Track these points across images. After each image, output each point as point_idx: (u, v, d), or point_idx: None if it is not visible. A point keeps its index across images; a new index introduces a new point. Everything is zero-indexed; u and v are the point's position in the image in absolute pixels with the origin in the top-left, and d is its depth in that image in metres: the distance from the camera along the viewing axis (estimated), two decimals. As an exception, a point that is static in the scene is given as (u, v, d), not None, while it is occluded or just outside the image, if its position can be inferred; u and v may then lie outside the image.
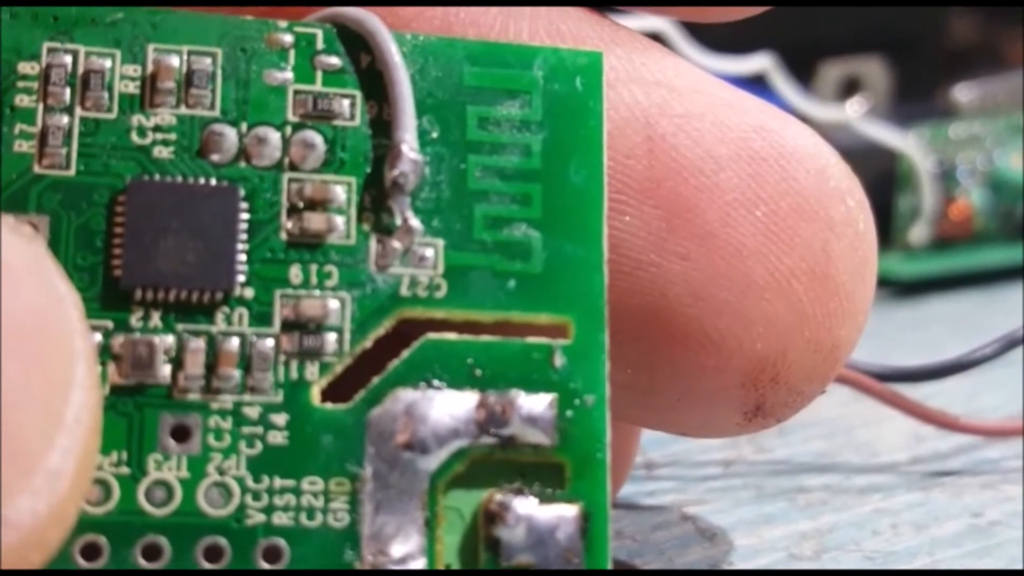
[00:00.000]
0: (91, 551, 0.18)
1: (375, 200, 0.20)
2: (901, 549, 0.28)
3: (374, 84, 0.20)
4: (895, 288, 0.47)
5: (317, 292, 0.20)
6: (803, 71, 0.47)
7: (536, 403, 0.20)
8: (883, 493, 0.30)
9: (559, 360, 0.20)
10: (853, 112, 0.47)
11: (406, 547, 0.19)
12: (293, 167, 0.20)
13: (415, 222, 0.20)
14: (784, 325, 0.23)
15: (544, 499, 0.20)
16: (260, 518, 0.19)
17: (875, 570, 0.26)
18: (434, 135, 0.21)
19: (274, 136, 0.20)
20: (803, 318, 0.23)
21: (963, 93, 0.49)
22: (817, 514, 0.29)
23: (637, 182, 0.22)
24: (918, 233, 0.47)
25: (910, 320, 0.45)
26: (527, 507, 0.20)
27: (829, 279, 0.23)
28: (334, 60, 0.20)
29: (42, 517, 0.16)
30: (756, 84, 0.40)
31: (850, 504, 0.30)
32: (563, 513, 0.20)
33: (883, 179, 0.46)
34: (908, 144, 0.47)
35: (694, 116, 0.23)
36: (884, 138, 0.46)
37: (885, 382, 0.31)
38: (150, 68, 0.20)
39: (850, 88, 0.51)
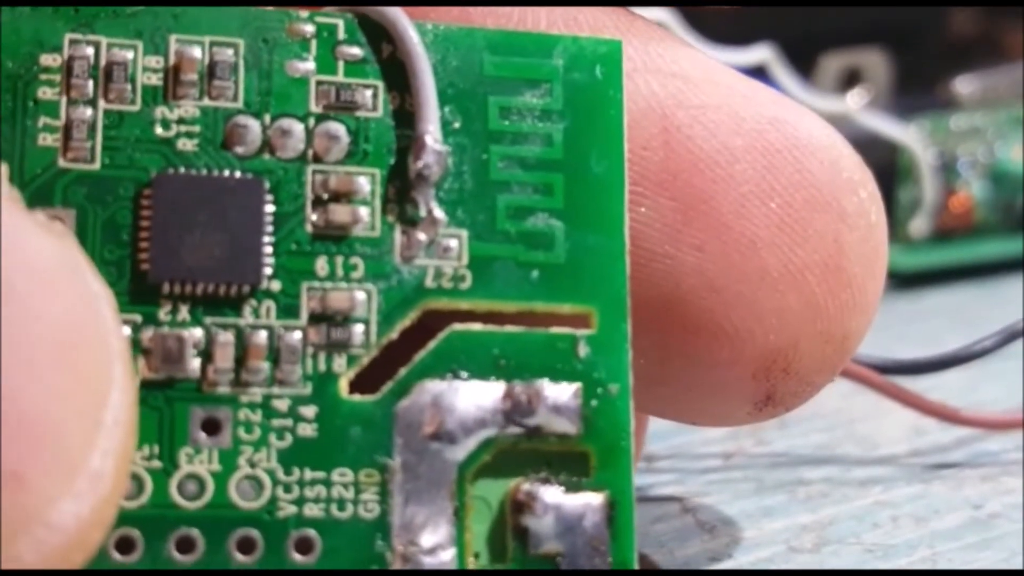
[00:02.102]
0: (125, 545, 0.18)
1: (399, 191, 0.20)
2: (901, 542, 0.27)
3: (396, 74, 0.20)
4: (895, 280, 0.47)
5: (343, 284, 0.20)
6: (804, 62, 0.47)
7: (561, 392, 0.20)
8: (883, 486, 0.30)
9: (583, 350, 0.20)
10: (854, 104, 0.47)
11: (436, 537, 0.19)
12: (317, 159, 0.20)
13: (439, 213, 0.20)
14: (797, 317, 0.23)
15: (570, 488, 0.20)
16: (291, 510, 0.19)
17: (866, 570, 0.26)
18: (456, 125, 0.21)
19: (298, 128, 0.20)
20: (815, 310, 0.23)
21: (964, 85, 0.49)
22: (817, 507, 0.29)
23: (653, 174, 0.22)
24: (919, 225, 0.47)
25: (910, 312, 0.45)
26: (554, 496, 0.20)
27: (842, 271, 0.23)
28: (356, 50, 0.20)
29: (85, 519, 0.16)
30: (757, 75, 0.40)
31: (850, 497, 0.30)
32: (589, 501, 0.20)
33: (884, 171, 0.45)
34: (909, 136, 0.47)
35: (710, 107, 0.23)
36: (885, 130, 0.46)
37: (885, 375, 0.31)
38: (172, 60, 0.20)
39: (851, 80, 0.51)
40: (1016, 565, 0.26)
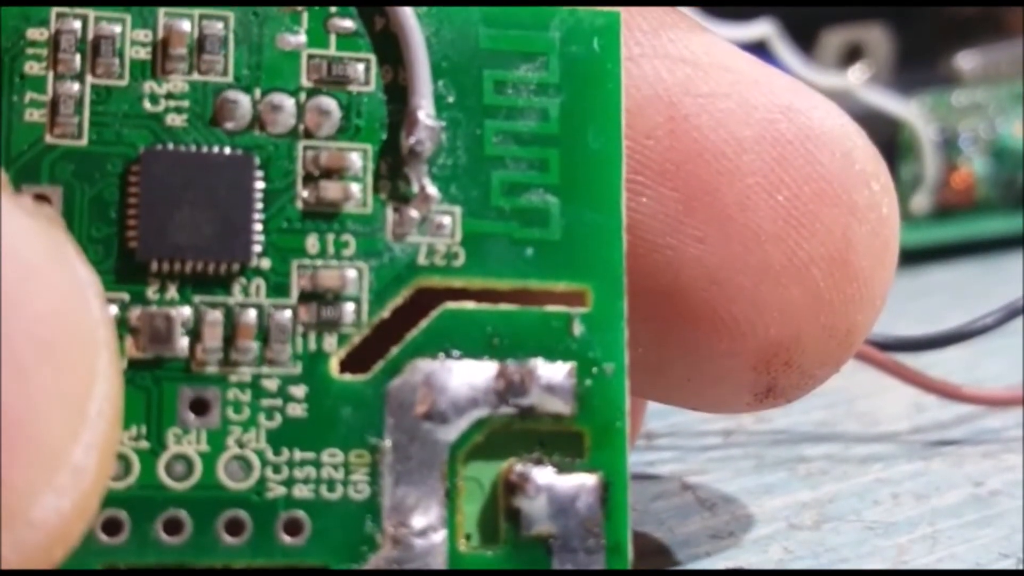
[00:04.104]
0: (112, 526, 0.18)
1: (391, 167, 0.20)
2: (902, 519, 0.27)
3: (389, 48, 0.20)
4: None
5: (334, 262, 0.20)
6: (805, 38, 0.47)
7: (555, 372, 0.20)
8: (884, 463, 0.30)
9: (578, 328, 0.20)
10: (855, 79, 0.47)
11: (427, 518, 0.19)
12: (308, 134, 0.20)
13: (432, 190, 0.20)
14: (800, 311, 0.23)
15: (563, 469, 0.20)
16: (281, 491, 0.19)
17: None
18: (450, 100, 0.20)
19: (288, 103, 0.20)
20: (820, 304, 0.23)
21: (965, 61, 0.49)
22: (817, 484, 0.29)
23: (656, 163, 0.22)
24: (920, 202, 0.47)
25: (911, 289, 0.45)
26: (547, 477, 0.20)
27: (849, 265, 0.23)
28: (348, 23, 0.20)
29: (66, 514, 0.16)
30: (758, 51, 0.40)
31: (851, 474, 0.30)
32: (583, 483, 0.20)
33: (885, 147, 0.45)
34: (910, 112, 0.47)
35: (719, 96, 0.22)
36: (886, 106, 0.46)
37: (886, 351, 0.31)
38: (161, 33, 0.19)
39: (852, 55, 0.50)
40: (1017, 543, 0.26)
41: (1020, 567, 0.25)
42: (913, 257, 0.47)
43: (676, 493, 0.29)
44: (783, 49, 0.43)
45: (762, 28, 0.43)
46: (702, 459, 0.30)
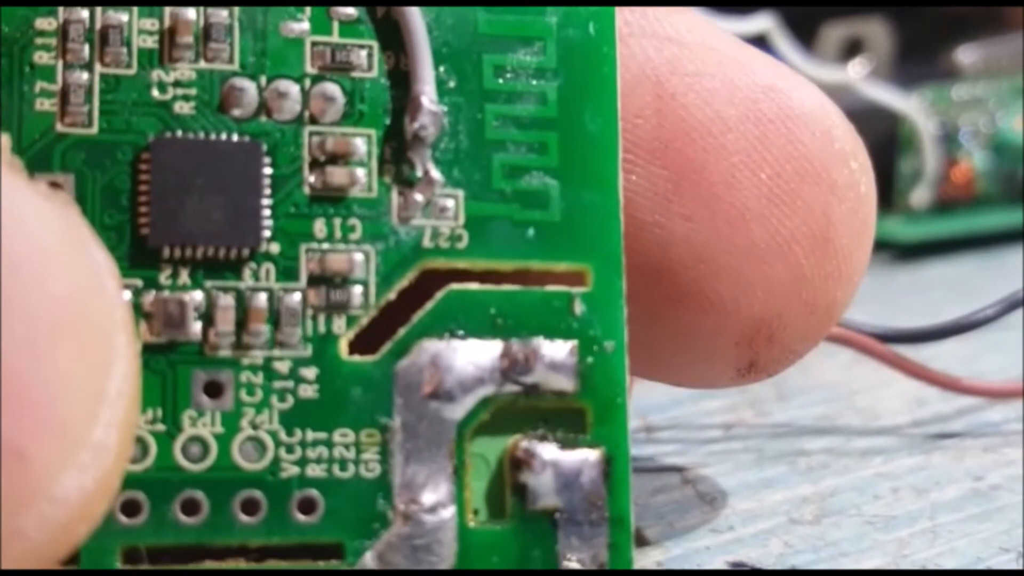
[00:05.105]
0: (131, 508, 0.19)
1: (395, 152, 0.20)
2: (902, 513, 0.27)
3: (390, 34, 0.20)
4: (896, 251, 0.47)
5: (342, 246, 0.20)
6: (805, 32, 0.47)
7: (558, 350, 0.20)
8: (884, 456, 0.30)
9: (579, 307, 0.21)
10: (855, 73, 0.47)
11: (436, 495, 0.20)
12: (313, 120, 0.20)
13: (436, 174, 0.20)
14: (782, 288, 0.23)
15: (567, 444, 0.20)
16: (294, 471, 0.19)
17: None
18: (451, 85, 0.21)
19: (294, 89, 0.20)
20: (801, 281, 0.23)
21: (966, 55, 0.49)
22: (818, 478, 0.29)
23: (645, 142, 0.22)
24: (920, 196, 0.47)
25: (911, 283, 0.45)
26: (552, 453, 0.20)
27: (829, 243, 0.23)
28: (350, 10, 0.20)
29: (89, 491, 0.16)
30: (758, 44, 0.40)
31: (851, 468, 0.30)
32: (586, 457, 0.20)
33: (885, 141, 0.46)
34: (910, 106, 0.47)
35: (705, 75, 0.23)
36: (886, 100, 0.46)
37: (886, 344, 0.31)
38: (167, 22, 0.20)
39: (852, 49, 0.51)
40: (1017, 537, 0.26)
41: (1020, 562, 0.25)
42: (913, 251, 0.47)
43: (676, 487, 0.29)
44: (783, 43, 0.43)
45: (763, 22, 0.43)
46: (702, 453, 0.30)
